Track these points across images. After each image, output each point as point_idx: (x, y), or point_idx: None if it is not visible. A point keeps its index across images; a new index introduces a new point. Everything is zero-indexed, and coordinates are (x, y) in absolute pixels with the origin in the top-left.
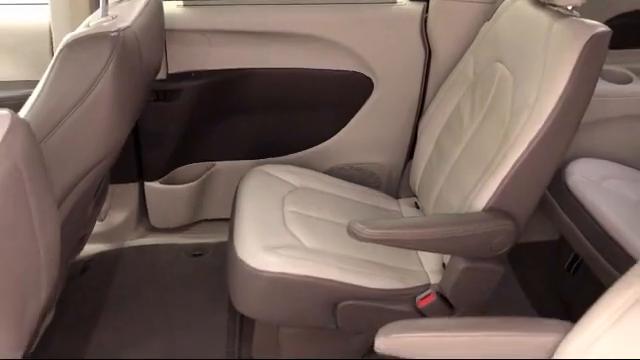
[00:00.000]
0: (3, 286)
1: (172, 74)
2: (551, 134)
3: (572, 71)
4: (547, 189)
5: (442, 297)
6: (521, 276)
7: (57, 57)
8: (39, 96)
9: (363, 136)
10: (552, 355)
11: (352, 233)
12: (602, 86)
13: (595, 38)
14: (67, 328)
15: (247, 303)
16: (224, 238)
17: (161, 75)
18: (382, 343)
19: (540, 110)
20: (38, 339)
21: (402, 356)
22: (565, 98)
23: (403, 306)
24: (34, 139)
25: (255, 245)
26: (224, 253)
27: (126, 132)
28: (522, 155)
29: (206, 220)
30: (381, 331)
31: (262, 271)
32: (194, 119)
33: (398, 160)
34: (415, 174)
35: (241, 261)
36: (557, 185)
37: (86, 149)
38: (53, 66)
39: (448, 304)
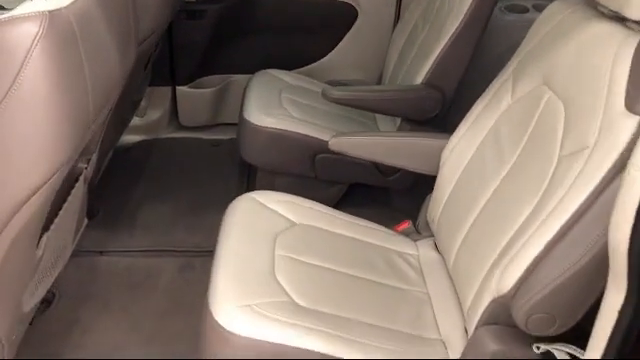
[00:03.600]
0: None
1: None
2: (464, 34)
3: None
4: None
5: None
6: None
7: None
8: None
9: (348, 56)
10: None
11: (325, 95)
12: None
13: None
14: (118, 183)
15: (251, 153)
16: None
17: None
18: (335, 143)
19: (457, 17)
20: (100, 175)
21: (348, 153)
22: (472, 9)
23: (364, 159)
24: None
25: (257, 111)
26: (236, 144)
27: (167, 20)
28: (448, 40)
29: (222, 124)
30: (334, 136)
31: (262, 126)
32: (216, 36)
33: (373, 78)
34: None
35: (247, 121)
36: None
37: (144, 19)
38: None
39: None
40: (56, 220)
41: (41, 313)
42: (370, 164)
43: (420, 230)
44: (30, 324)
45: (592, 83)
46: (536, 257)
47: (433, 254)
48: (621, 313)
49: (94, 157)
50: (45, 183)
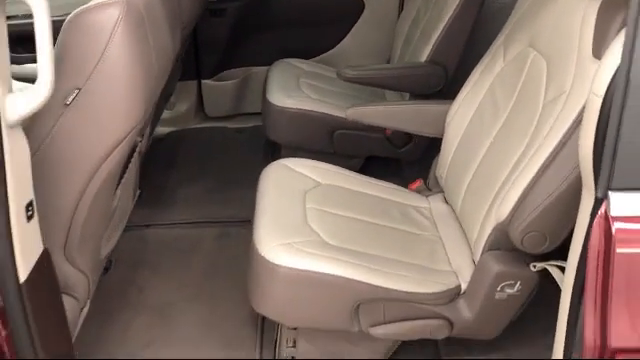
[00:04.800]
0: None
1: None
2: (462, 13)
3: None
4: None
5: None
6: None
7: None
8: None
9: (357, 45)
10: (448, 112)
11: (340, 75)
12: None
13: None
14: (155, 169)
15: (275, 132)
16: (260, 122)
17: None
18: (351, 113)
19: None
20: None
21: (364, 121)
22: None
23: (377, 134)
24: None
25: (279, 94)
26: (260, 130)
27: (197, 16)
28: (448, 21)
29: (245, 113)
30: (349, 107)
31: (284, 107)
32: (236, 32)
33: (381, 63)
34: None
35: (271, 103)
36: None
37: (182, 11)
38: None
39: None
40: (122, 181)
41: (101, 276)
42: (383, 138)
43: (430, 187)
44: None
45: (567, 39)
46: (527, 186)
47: (443, 206)
48: (592, 216)
49: (147, 131)
50: (125, 138)
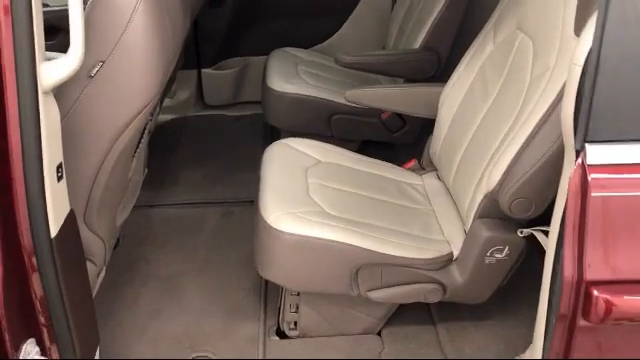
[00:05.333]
0: None
1: None
2: (453, 0)
3: None
4: None
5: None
6: None
7: None
8: None
9: (352, 35)
10: (441, 94)
11: (338, 61)
12: None
13: None
14: (157, 154)
15: (275, 117)
16: (258, 111)
17: None
18: (350, 95)
19: None
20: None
21: (363, 104)
22: None
23: (373, 119)
24: None
25: (279, 80)
26: (258, 118)
27: (200, 4)
28: (440, 9)
29: (243, 102)
30: (349, 89)
31: (284, 92)
32: (236, 22)
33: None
34: None
35: (271, 88)
36: None
37: None
38: None
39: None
40: (135, 155)
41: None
42: (379, 122)
43: (424, 166)
44: None
45: (552, 20)
46: (515, 155)
47: (436, 182)
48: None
49: (157, 110)
50: (143, 109)
